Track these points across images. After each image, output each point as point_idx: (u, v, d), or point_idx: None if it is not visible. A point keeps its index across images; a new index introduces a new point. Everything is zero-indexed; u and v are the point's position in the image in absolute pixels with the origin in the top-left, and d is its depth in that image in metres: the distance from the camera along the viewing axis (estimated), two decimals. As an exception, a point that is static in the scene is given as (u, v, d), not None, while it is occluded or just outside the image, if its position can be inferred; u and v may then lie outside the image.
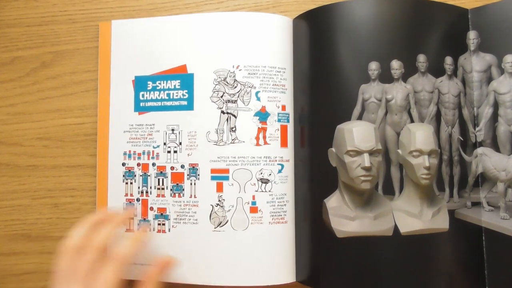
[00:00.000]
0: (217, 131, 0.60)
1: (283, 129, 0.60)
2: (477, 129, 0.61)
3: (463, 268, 0.57)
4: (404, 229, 0.56)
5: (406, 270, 0.56)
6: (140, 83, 0.62)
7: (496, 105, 0.61)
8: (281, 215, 0.59)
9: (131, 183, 0.61)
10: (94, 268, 0.50)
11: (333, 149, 0.57)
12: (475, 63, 0.61)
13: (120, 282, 0.51)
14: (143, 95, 0.62)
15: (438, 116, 0.60)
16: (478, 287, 0.57)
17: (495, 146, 0.60)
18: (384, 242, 0.56)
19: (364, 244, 0.56)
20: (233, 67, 0.60)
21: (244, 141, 0.60)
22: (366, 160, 0.56)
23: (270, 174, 0.59)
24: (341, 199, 0.57)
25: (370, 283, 0.56)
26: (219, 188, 0.60)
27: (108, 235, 0.53)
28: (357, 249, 0.56)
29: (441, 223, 0.57)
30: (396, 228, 0.56)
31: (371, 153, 0.56)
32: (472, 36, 0.60)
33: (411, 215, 0.57)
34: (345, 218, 0.57)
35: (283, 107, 0.60)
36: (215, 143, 0.60)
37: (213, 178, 0.60)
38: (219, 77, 0.60)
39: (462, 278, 0.57)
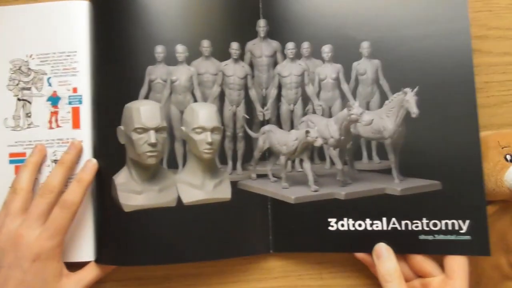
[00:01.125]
0: (14, 117, 0.62)
1: (75, 111, 0.62)
2: (265, 108, 0.66)
3: (250, 233, 0.61)
4: (186, 199, 0.60)
5: (190, 237, 0.59)
6: None
7: (280, 87, 0.67)
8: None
9: None
10: (48, 210, 0.56)
11: (121, 127, 0.60)
12: (264, 48, 0.66)
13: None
14: None
15: (222, 96, 0.65)
16: (263, 250, 0.62)
17: (279, 124, 0.66)
18: (168, 212, 0.59)
19: (150, 216, 0.59)
20: (27, 56, 0.63)
21: (39, 125, 0.62)
22: (152, 136, 0.59)
23: None
24: (129, 175, 0.60)
25: (158, 252, 0.59)
26: (17, 171, 0.61)
27: (62, 178, 0.58)
28: (144, 221, 0.59)
29: (223, 193, 0.61)
30: (179, 199, 0.60)
31: (157, 130, 0.59)
32: (262, 24, 0.66)
33: (193, 187, 0.61)
34: (132, 193, 0.59)
35: (74, 90, 0.63)
36: (13, 128, 0.62)
37: (11, 162, 0.62)
38: (15, 66, 0.63)
39: (248, 242, 0.61)
